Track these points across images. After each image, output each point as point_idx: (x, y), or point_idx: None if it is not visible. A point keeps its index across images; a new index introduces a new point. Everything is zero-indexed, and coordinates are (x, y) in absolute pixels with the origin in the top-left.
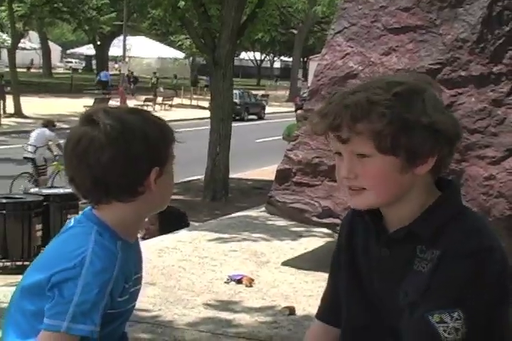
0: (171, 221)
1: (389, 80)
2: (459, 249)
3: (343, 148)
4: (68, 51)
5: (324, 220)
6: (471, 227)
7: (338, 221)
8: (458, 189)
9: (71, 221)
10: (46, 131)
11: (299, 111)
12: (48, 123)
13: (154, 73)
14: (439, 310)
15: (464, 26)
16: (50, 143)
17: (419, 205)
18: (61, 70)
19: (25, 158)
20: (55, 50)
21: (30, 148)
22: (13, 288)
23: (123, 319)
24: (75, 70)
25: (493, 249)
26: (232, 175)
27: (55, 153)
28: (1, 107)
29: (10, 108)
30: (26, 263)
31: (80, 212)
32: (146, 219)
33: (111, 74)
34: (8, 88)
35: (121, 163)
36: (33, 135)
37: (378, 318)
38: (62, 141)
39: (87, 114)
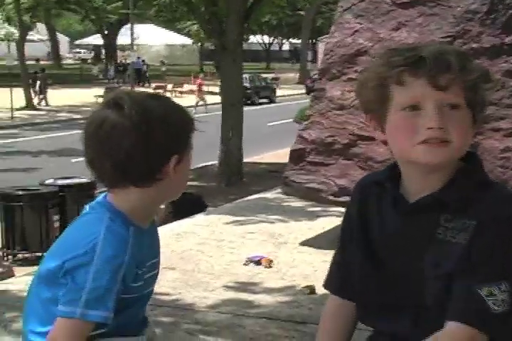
0: (187, 206)
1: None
2: (496, 216)
3: (434, 97)
4: (76, 42)
5: (340, 199)
6: (503, 195)
7: None
8: (481, 160)
9: (86, 208)
10: None
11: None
12: None
13: (162, 61)
14: (488, 283)
15: None
16: None
17: (448, 173)
18: (70, 61)
19: None
20: (63, 41)
21: None
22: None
23: (140, 304)
24: (83, 60)
25: None
26: (245, 160)
27: None
28: (43, 99)
29: (21, 100)
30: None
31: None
32: (163, 206)
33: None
34: (50, 81)
35: (142, 149)
36: None
37: (397, 292)
38: None
39: (111, 97)
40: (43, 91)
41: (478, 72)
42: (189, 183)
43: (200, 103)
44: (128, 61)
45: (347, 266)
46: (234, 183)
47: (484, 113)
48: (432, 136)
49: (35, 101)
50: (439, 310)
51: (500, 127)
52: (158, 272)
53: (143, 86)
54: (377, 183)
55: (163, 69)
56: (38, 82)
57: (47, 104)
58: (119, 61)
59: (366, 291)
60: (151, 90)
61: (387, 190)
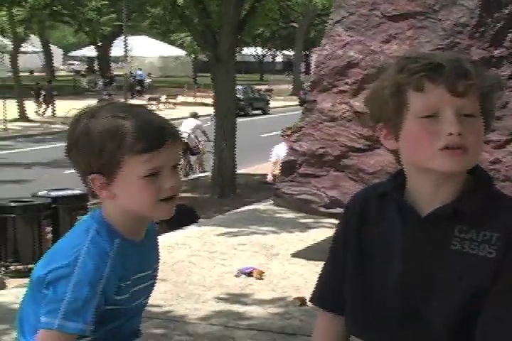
0: (178, 217)
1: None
2: None
3: (453, 103)
4: (70, 53)
5: (331, 210)
6: None
7: None
8: (486, 171)
9: (81, 218)
10: (193, 120)
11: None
12: (195, 114)
13: (149, 74)
14: None
15: (463, 11)
16: (197, 130)
17: (458, 184)
18: (64, 73)
19: None
20: (57, 52)
21: (183, 135)
22: (25, 290)
23: (129, 315)
24: (77, 72)
25: None
26: (239, 171)
27: (199, 139)
28: (48, 110)
29: (14, 112)
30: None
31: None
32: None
33: (116, 75)
34: (55, 92)
35: (73, 165)
36: (185, 123)
37: (397, 304)
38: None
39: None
40: (47, 102)
41: (493, 80)
42: (182, 194)
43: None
44: (121, 73)
45: (337, 279)
46: (227, 195)
47: (493, 121)
48: (452, 141)
49: (40, 111)
50: (454, 325)
51: (490, 139)
52: (153, 284)
53: (141, 96)
54: (382, 194)
55: (148, 80)
56: (43, 93)
57: (54, 115)
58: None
59: (362, 304)
60: (145, 101)
61: (394, 200)
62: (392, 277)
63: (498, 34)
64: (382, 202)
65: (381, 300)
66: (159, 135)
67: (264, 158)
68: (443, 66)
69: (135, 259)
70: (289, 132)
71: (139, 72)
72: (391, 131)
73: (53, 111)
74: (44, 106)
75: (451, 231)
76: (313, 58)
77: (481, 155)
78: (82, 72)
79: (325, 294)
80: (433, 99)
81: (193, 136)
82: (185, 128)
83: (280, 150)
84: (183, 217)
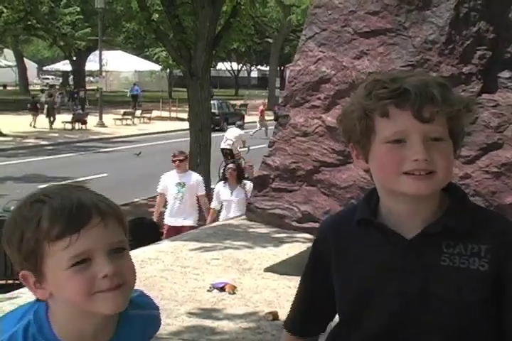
0: (143, 231)
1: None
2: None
3: (419, 129)
4: (44, 68)
5: (304, 225)
6: (500, 217)
7: (317, 225)
8: (460, 187)
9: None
10: (237, 129)
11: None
12: (240, 125)
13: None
14: None
15: (433, 28)
16: (239, 139)
17: (435, 202)
18: (38, 87)
19: (223, 148)
20: (31, 67)
21: (228, 141)
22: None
23: None
24: (52, 87)
25: None
26: (213, 185)
27: (239, 146)
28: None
29: None
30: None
31: None
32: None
33: (88, 89)
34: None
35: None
36: (229, 132)
37: (393, 323)
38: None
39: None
40: (50, 115)
41: (460, 103)
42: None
43: (262, 129)
44: (95, 87)
45: (311, 303)
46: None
47: (463, 141)
48: (417, 167)
49: (46, 124)
50: (451, 337)
51: (460, 154)
52: None
53: (134, 109)
54: (362, 221)
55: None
56: (46, 106)
57: (51, 127)
58: (89, 87)
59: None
60: (119, 116)
61: (374, 226)
62: (381, 299)
63: (467, 51)
64: (360, 228)
65: (379, 321)
66: (77, 214)
67: None
68: (409, 92)
69: None
70: (181, 157)
71: (136, 87)
72: (361, 153)
73: (51, 122)
74: (48, 118)
75: (439, 248)
76: (288, 73)
77: (451, 176)
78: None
79: (295, 319)
80: (399, 124)
81: (236, 144)
82: (230, 136)
83: (168, 180)
84: (147, 231)
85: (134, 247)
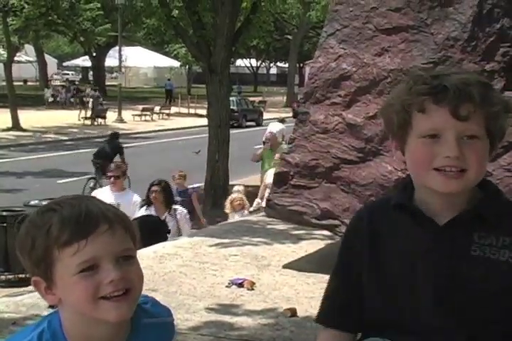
0: (147, 229)
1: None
2: None
3: (454, 127)
4: (64, 63)
5: (323, 222)
6: None
7: (337, 222)
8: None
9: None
10: (280, 124)
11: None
12: (282, 119)
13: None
14: None
15: (455, 25)
16: (280, 133)
17: (467, 196)
18: (58, 83)
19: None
20: (52, 62)
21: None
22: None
23: None
24: (71, 82)
25: None
26: (232, 182)
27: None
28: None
29: (8, 121)
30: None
31: None
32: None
33: (107, 85)
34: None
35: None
36: (272, 125)
37: (419, 311)
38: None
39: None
40: (95, 110)
41: (499, 104)
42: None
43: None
44: (115, 83)
45: (348, 294)
46: (220, 205)
47: (502, 141)
48: (448, 163)
49: (75, 118)
50: (488, 325)
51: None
52: None
53: (170, 104)
54: (398, 206)
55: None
56: (91, 100)
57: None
58: (108, 83)
59: (385, 312)
60: (138, 112)
61: (410, 211)
62: (424, 286)
63: (490, 48)
64: (395, 213)
65: (413, 311)
66: (85, 221)
67: (258, 169)
68: (448, 89)
69: None
70: (117, 172)
71: (170, 82)
72: (399, 145)
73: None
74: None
75: (471, 238)
76: (307, 70)
77: (483, 175)
78: (77, 82)
79: (333, 312)
80: (435, 121)
81: (278, 135)
82: (273, 130)
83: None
84: (153, 229)
85: (141, 244)
